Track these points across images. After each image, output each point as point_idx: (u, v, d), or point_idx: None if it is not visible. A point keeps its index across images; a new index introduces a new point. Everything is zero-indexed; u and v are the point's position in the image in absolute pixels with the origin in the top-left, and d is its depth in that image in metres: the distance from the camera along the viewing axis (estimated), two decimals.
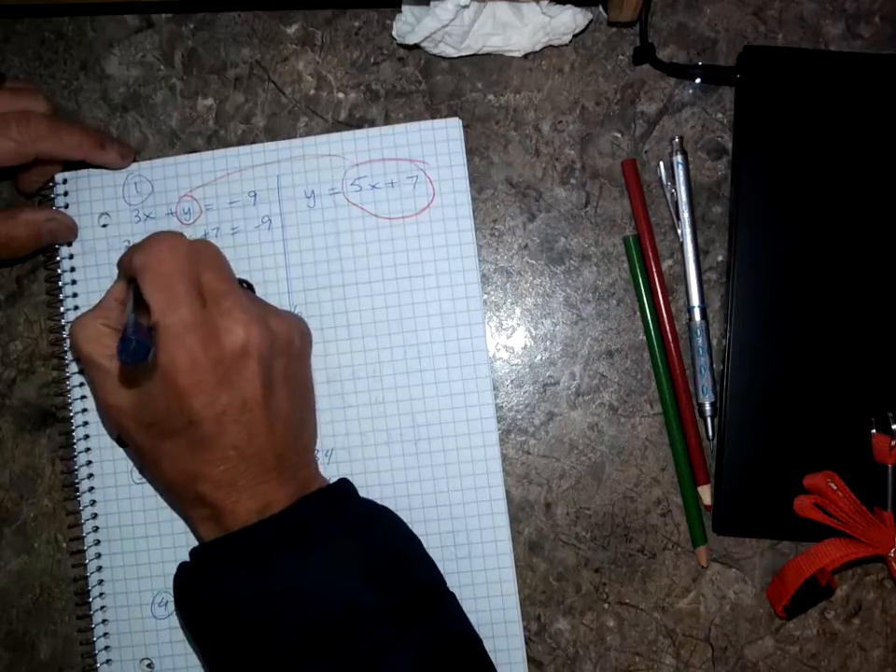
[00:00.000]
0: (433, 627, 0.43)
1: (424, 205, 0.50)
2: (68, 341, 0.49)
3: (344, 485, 0.46)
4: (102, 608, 0.50)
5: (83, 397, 0.51)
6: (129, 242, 0.52)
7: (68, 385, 0.51)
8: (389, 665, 0.41)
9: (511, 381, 0.51)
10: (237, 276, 0.47)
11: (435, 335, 0.50)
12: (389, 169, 0.51)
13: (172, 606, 0.50)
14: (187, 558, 0.49)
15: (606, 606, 0.51)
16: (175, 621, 0.50)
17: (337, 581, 0.42)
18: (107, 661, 0.50)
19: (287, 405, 0.45)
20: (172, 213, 0.52)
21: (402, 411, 0.50)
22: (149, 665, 0.50)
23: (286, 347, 0.45)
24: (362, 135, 0.51)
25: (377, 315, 0.50)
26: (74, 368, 0.51)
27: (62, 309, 0.52)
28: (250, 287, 0.50)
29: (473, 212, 0.51)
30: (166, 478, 0.45)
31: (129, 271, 0.44)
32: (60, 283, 0.52)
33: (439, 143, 0.51)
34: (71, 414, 0.51)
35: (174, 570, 0.49)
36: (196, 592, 0.43)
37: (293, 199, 0.51)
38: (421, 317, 0.50)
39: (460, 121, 0.51)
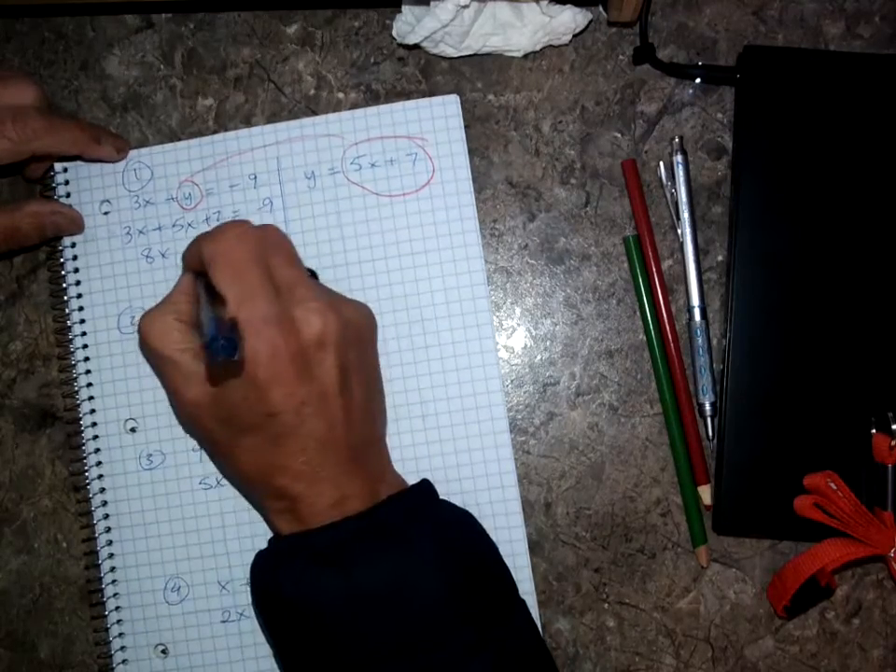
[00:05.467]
0: (509, 637, 0.42)
1: (424, 182, 0.51)
2: (137, 337, 0.47)
3: (426, 486, 0.46)
4: (115, 595, 0.50)
5: (88, 371, 0.51)
6: (129, 228, 0.52)
7: (72, 360, 0.51)
8: None
9: (511, 381, 0.51)
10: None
11: (439, 311, 0.50)
12: (388, 147, 0.51)
13: (184, 591, 0.50)
14: (197, 543, 0.49)
15: (606, 606, 0.51)
16: (188, 606, 0.50)
17: (419, 586, 0.41)
18: (122, 647, 0.50)
19: (362, 394, 0.45)
20: (172, 198, 0.52)
21: (409, 387, 0.50)
22: (164, 651, 0.50)
23: (358, 336, 0.45)
24: (360, 115, 0.51)
25: (381, 293, 0.50)
26: (79, 356, 0.51)
27: (65, 298, 0.52)
28: (314, 274, 0.50)
29: None
30: (244, 472, 0.44)
31: (196, 262, 0.44)
32: (63, 272, 0.52)
33: (437, 119, 0.51)
34: (76, 389, 0.51)
35: (185, 556, 0.50)
36: (276, 584, 0.42)
37: (293, 180, 0.51)
38: (424, 293, 0.50)
39: (458, 97, 0.51)
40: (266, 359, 0.41)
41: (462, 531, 0.45)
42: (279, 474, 0.43)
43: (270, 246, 0.44)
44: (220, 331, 0.38)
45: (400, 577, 0.41)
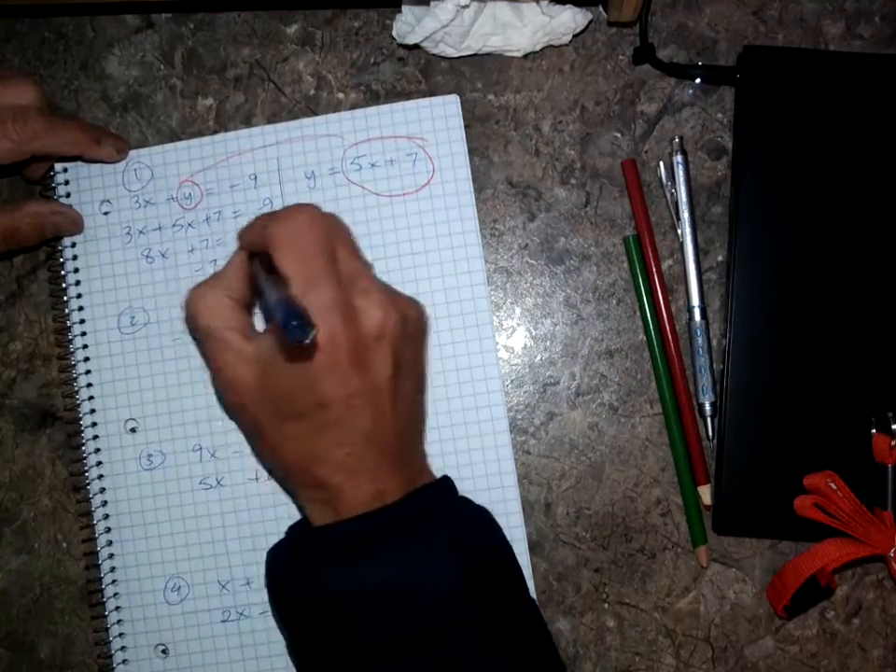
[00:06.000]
0: (522, 634, 0.42)
1: (424, 182, 0.51)
2: (183, 311, 0.46)
3: (446, 483, 0.46)
4: (115, 595, 0.50)
5: (88, 372, 0.51)
6: (129, 228, 0.52)
7: (72, 360, 0.51)
8: (476, 670, 0.40)
9: (511, 381, 0.51)
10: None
11: (439, 311, 0.50)
12: (388, 147, 0.51)
13: (185, 591, 0.50)
14: (197, 543, 0.49)
15: (606, 606, 0.51)
16: (188, 606, 0.50)
17: (436, 582, 0.41)
18: (122, 647, 0.50)
19: (412, 391, 0.45)
20: (173, 198, 0.52)
21: None
22: (164, 651, 0.50)
23: (415, 332, 0.45)
24: (360, 115, 0.51)
25: None
26: (79, 356, 0.51)
27: (65, 298, 0.52)
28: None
29: None
30: (284, 459, 0.44)
31: (256, 243, 0.43)
32: (63, 272, 0.52)
33: (437, 119, 0.51)
34: (76, 389, 0.51)
35: (185, 556, 0.50)
36: (295, 578, 0.42)
37: (293, 180, 0.51)
38: (424, 293, 0.50)
39: (458, 97, 0.51)
40: (324, 346, 0.41)
41: (480, 528, 0.45)
42: (320, 464, 0.42)
43: (336, 235, 0.43)
44: (293, 314, 0.38)
45: (418, 572, 0.41)
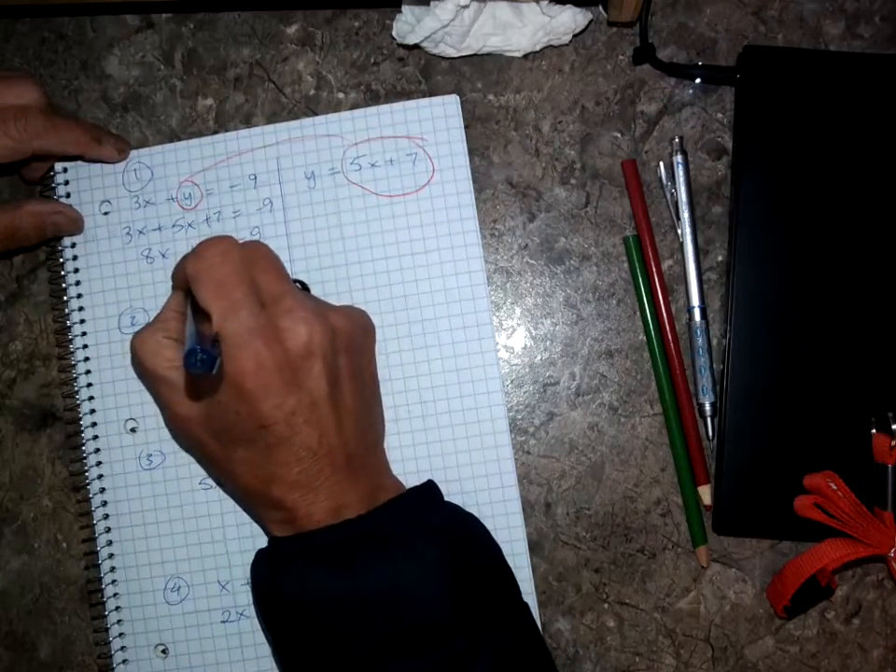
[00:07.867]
0: (509, 641, 0.42)
1: (424, 182, 0.51)
2: (130, 356, 0.48)
3: (428, 488, 0.46)
4: (115, 595, 0.50)
5: (88, 372, 0.51)
6: (129, 228, 0.52)
7: (72, 360, 0.51)
8: None
9: (511, 381, 0.51)
10: (291, 277, 0.47)
11: (439, 311, 0.50)
12: (388, 147, 0.51)
13: (185, 591, 0.50)
14: (197, 543, 0.49)
15: (606, 606, 0.51)
16: (188, 606, 0.50)
17: (417, 589, 0.41)
18: (122, 647, 0.50)
19: (354, 401, 0.45)
20: (172, 198, 0.52)
21: (409, 387, 0.50)
22: (164, 651, 0.50)
23: (348, 343, 0.45)
24: (360, 115, 0.51)
25: (381, 294, 0.50)
26: (79, 356, 0.51)
27: (65, 298, 0.52)
28: (304, 287, 0.50)
29: None
30: (240, 483, 0.45)
31: (183, 281, 0.44)
32: (63, 272, 0.52)
33: (437, 119, 0.51)
34: (76, 389, 0.51)
35: (185, 556, 0.50)
36: (276, 583, 0.43)
37: (293, 180, 0.51)
38: (424, 293, 0.50)
39: (458, 98, 0.51)
40: (253, 371, 0.41)
41: (463, 535, 0.45)
42: (275, 485, 0.43)
43: (255, 261, 0.44)
44: (201, 345, 0.38)
45: (399, 579, 0.41)
